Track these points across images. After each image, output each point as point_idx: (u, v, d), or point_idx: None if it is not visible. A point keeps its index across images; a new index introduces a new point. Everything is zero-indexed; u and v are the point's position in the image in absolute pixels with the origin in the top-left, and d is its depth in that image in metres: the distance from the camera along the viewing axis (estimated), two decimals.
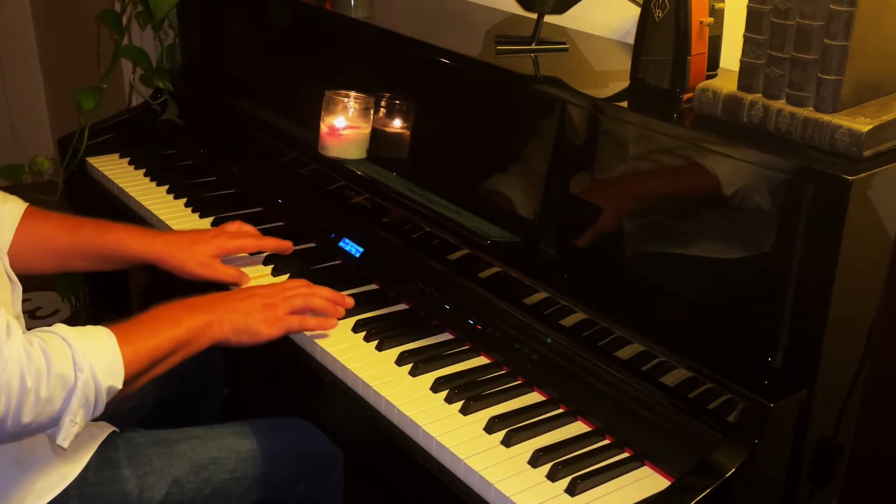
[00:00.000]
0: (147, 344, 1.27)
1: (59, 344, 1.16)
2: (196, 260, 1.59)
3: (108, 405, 1.21)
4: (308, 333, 1.48)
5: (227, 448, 1.43)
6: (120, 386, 1.21)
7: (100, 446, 1.35)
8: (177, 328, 1.32)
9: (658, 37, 1.36)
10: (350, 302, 1.53)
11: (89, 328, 1.22)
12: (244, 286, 1.61)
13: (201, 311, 1.37)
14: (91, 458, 1.33)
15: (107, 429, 1.39)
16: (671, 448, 1.21)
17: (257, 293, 1.46)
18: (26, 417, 1.12)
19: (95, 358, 1.18)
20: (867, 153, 1.13)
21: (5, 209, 1.51)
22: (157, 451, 1.39)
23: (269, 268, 1.68)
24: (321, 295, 1.49)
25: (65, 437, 1.17)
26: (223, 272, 1.61)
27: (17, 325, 1.14)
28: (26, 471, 1.27)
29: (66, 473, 1.30)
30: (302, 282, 1.52)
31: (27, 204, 1.54)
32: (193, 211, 1.93)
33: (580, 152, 1.41)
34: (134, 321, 1.29)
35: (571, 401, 1.33)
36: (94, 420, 1.38)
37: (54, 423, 1.16)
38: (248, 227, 1.70)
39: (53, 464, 1.29)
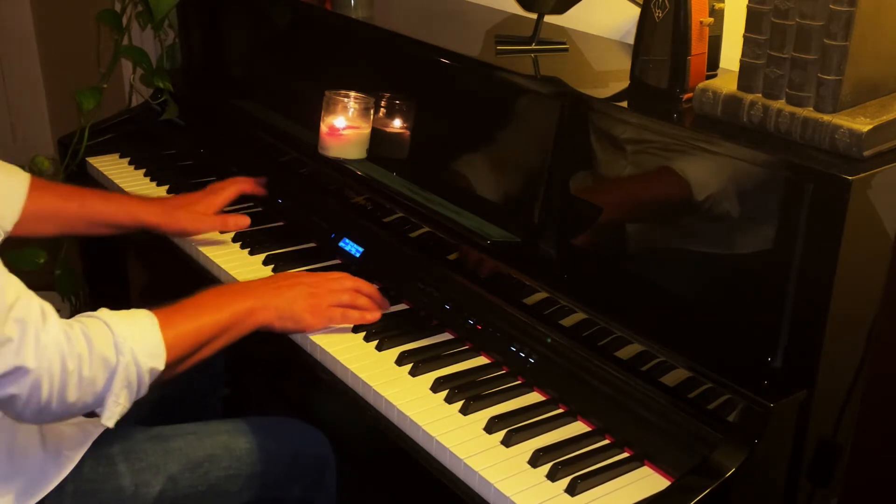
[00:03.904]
0: (190, 327, 1.31)
1: (100, 328, 1.21)
2: (190, 218, 1.75)
3: (151, 387, 1.26)
4: (311, 336, 1.48)
5: (223, 446, 1.43)
6: (162, 368, 1.25)
7: (95, 442, 1.35)
8: (221, 312, 1.36)
9: (658, 37, 1.36)
10: (387, 306, 1.55)
11: (132, 312, 1.27)
12: (238, 228, 1.77)
13: (246, 296, 1.41)
14: (86, 454, 1.33)
15: (101, 425, 1.39)
16: (671, 448, 1.21)
17: (303, 281, 1.49)
18: (71, 397, 1.18)
19: (136, 341, 1.22)
20: (867, 153, 1.13)
21: (10, 183, 1.57)
22: (152, 447, 1.39)
23: (270, 267, 1.68)
24: (365, 292, 1.52)
25: (109, 417, 1.23)
26: (206, 225, 1.76)
27: (52, 309, 1.18)
28: (20, 467, 1.27)
29: (60, 469, 1.30)
30: (345, 274, 1.54)
31: (30, 175, 1.61)
32: None
33: (580, 152, 1.41)
34: (178, 305, 1.34)
35: (571, 401, 1.33)
36: (90, 417, 1.38)
37: (99, 402, 1.22)
38: (236, 181, 1.85)
39: (47, 460, 1.30)
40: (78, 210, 1.66)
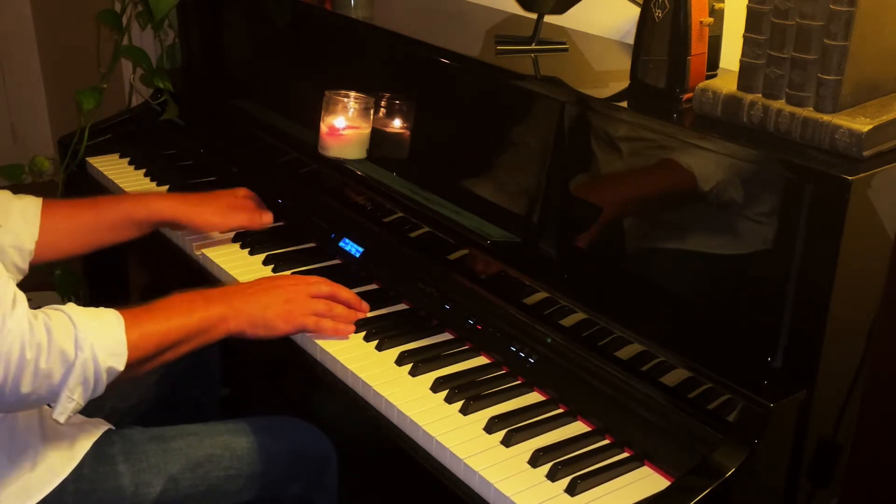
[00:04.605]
0: (156, 329, 1.29)
1: (63, 321, 1.19)
2: (212, 213, 1.71)
3: (110, 387, 1.23)
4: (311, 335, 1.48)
5: (223, 445, 1.43)
6: (121, 368, 1.22)
7: (96, 442, 1.35)
8: (190, 317, 1.34)
9: (658, 37, 1.36)
10: (366, 309, 1.53)
11: (99, 309, 1.24)
12: (263, 225, 1.78)
13: (218, 302, 1.39)
14: (87, 454, 1.33)
15: (102, 426, 1.39)
16: (671, 448, 1.21)
17: (280, 285, 1.47)
18: (25, 388, 1.15)
19: (98, 339, 1.20)
20: (867, 153, 1.13)
21: (23, 204, 1.55)
22: (152, 447, 1.39)
23: (270, 267, 1.68)
24: (342, 298, 1.50)
25: (61, 412, 1.19)
26: (236, 220, 1.75)
27: (24, 298, 1.17)
28: (20, 466, 1.27)
29: (60, 469, 1.30)
30: (322, 280, 1.52)
31: (41, 198, 1.59)
32: None
33: (580, 152, 1.41)
34: (148, 306, 1.31)
35: (571, 401, 1.33)
36: (90, 416, 1.39)
37: (53, 396, 1.18)
38: (251, 197, 1.83)
39: (48, 460, 1.30)
40: (96, 216, 1.62)
